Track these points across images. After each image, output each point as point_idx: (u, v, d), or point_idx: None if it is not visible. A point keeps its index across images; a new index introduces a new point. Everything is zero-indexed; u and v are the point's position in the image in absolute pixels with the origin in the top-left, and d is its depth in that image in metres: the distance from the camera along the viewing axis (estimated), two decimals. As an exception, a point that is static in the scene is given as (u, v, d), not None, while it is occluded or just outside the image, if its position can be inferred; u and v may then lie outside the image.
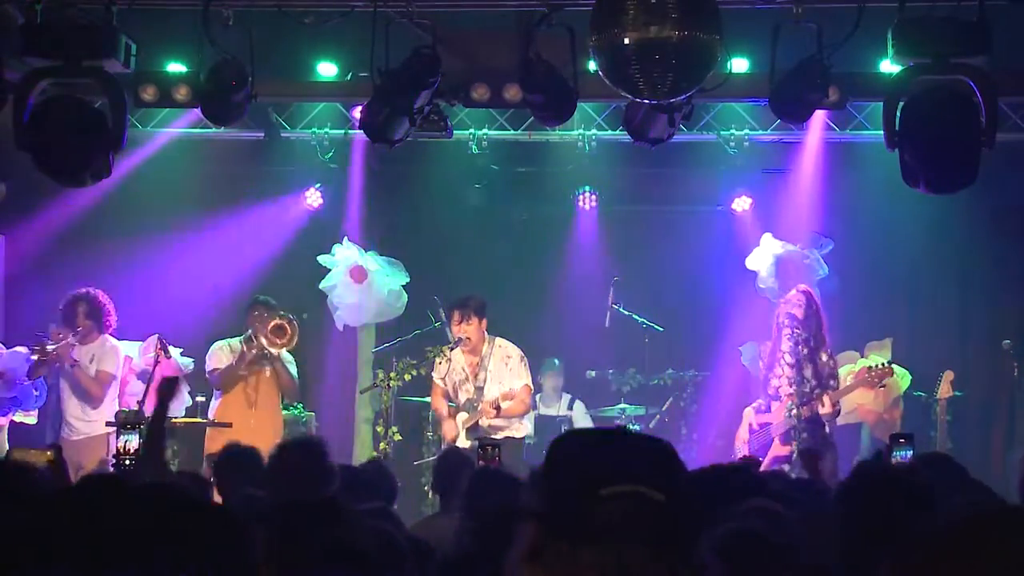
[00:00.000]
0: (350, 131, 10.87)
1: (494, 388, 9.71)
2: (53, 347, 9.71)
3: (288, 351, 10.26)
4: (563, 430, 11.01)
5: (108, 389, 9.87)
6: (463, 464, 6.39)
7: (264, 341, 10.03)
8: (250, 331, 10.13)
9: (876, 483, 3.79)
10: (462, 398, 9.78)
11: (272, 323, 10.09)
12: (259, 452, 5.87)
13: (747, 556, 3.12)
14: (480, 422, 9.64)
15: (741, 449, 9.29)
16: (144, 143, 10.70)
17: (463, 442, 9.60)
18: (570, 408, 11.58)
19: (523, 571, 2.04)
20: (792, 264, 11.53)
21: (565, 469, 2.06)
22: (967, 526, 1.90)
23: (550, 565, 2.01)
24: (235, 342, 10.25)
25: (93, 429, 9.68)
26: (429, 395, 10.20)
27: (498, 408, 9.57)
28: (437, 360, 9.71)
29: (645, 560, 1.97)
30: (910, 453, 5.53)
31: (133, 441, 5.26)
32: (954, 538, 1.89)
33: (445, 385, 9.85)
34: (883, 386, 9.91)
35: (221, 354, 10.21)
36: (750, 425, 9.36)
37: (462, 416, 9.75)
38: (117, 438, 5.36)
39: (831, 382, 9.19)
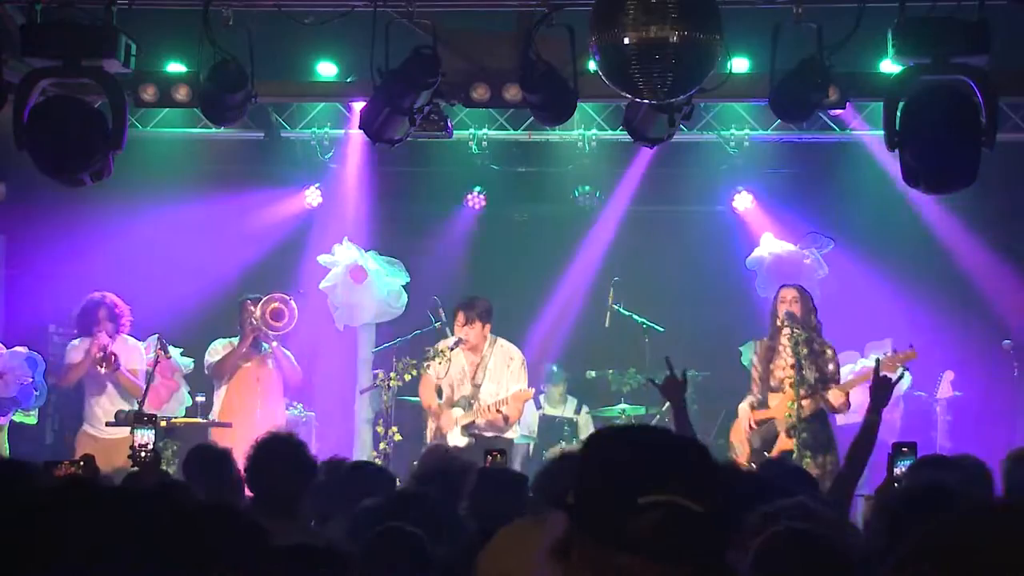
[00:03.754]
0: (350, 131, 10.87)
1: (491, 387, 9.72)
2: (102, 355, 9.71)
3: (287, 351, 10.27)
4: (565, 429, 11.09)
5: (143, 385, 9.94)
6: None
7: (262, 324, 10.02)
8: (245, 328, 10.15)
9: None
10: (457, 395, 9.79)
11: (270, 307, 10.07)
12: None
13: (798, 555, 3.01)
14: (476, 421, 9.66)
15: (741, 446, 9.27)
16: (143, 143, 10.70)
17: (458, 439, 9.60)
18: (577, 412, 11.54)
19: (551, 564, 2.00)
20: (792, 264, 11.54)
21: (601, 471, 2.01)
22: (963, 527, 1.88)
23: (579, 564, 1.97)
24: (235, 340, 10.28)
25: (120, 430, 9.44)
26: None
27: (499, 412, 9.60)
28: (437, 360, 9.71)
29: (678, 572, 1.93)
30: (910, 463, 5.51)
31: (149, 435, 5.64)
32: (953, 538, 1.87)
33: (439, 382, 9.86)
34: (906, 369, 9.88)
35: (220, 348, 10.24)
36: (749, 421, 9.34)
37: (457, 412, 9.75)
38: (133, 434, 5.66)
39: (836, 375, 9.17)
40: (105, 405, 9.88)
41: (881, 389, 5.75)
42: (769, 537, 3.08)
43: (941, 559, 1.81)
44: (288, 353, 10.27)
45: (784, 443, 9.06)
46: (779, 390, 9.22)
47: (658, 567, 1.93)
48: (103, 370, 9.77)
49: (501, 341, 9.89)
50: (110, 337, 9.86)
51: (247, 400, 10.07)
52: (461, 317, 9.73)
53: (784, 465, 6.54)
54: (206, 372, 10.32)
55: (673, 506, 1.93)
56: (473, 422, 9.67)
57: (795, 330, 8.98)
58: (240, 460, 7.58)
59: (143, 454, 5.65)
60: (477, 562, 2.81)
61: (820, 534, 3.12)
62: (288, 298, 10.15)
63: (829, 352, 9.17)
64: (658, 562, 1.93)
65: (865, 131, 10.66)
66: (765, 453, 9.08)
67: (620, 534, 1.93)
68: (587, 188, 11.74)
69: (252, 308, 10.15)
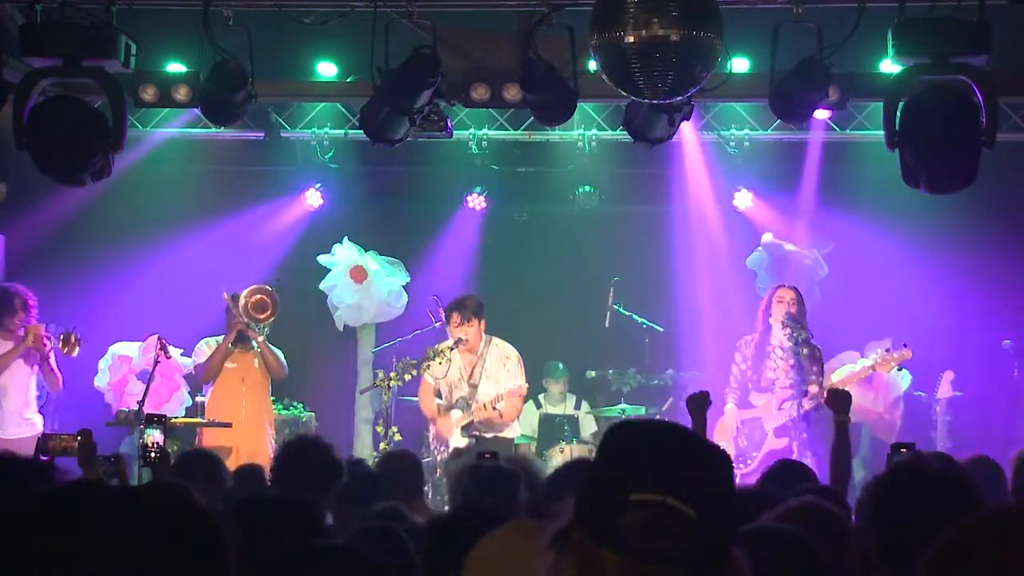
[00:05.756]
0: (350, 131, 10.87)
1: (489, 388, 9.71)
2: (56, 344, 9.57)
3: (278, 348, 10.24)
4: (565, 428, 11.10)
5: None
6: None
7: (245, 316, 9.99)
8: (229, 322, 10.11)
9: (915, 483, 3.36)
10: (455, 396, 9.79)
11: (254, 299, 10.05)
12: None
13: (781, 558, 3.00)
14: (474, 420, 9.67)
15: (727, 447, 9.28)
16: (143, 142, 10.70)
17: (458, 440, 9.60)
18: (576, 408, 11.56)
19: (547, 553, 1.99)
20: (792, 264, 11.54)
21: (604, 463, 1.99)
22: (979, 527, 1.88)
23: (571, 556, 1.96)
24: (221, 339, 10.20)
25: (32, 429, 9.19)
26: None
27: (495, 408, 9.60)
28: (437, 360, 9.71)
29: (663, 573, 1.90)
30: None
31: (157, 435, 5.61)
32: (972, 538, 1.86)
33: (437, 384, 9.86)
34: (900, 368, 9.91)
35: (206, 349, 10.18)
36: (736, 422, 9.37)
37: (456, 414, 9.75)
38: (142, 433, 5.67)
39: (820, 375, 9.27)
40: (5, 405, 9.42)
41: (838, 397, 5.92)
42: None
43: (961, 563, 1.81)
44: (276, 350, 10.21)
45: (772, 442, 9.08)
46: (768, 391, 9.24)
47: (639, 567, 1.90)
48: (48, 349, 9.35)
49: (496, 340, 9.89)
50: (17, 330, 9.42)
51: (232, 401, 10.00)
52: (456, 318, 9.73)
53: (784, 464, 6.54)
54: (193, 373, 10.28)
55: (663, 507, 1.90)
56: (471, 422, 9.67)
57: (794, 329, 9.01)
58: (232, 460, 7.59)
59: (152, 455, 5.63)
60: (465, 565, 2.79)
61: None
62: (270, 289, 10.15)
63: (818, 353, 9.26)
64: (639, 562, 1.90)
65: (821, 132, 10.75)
66: (754, 453, 9.11)
67: (607, 529, 1.91)
68: (588, 188, 11.74)
69: (234, 300, 10.09)
